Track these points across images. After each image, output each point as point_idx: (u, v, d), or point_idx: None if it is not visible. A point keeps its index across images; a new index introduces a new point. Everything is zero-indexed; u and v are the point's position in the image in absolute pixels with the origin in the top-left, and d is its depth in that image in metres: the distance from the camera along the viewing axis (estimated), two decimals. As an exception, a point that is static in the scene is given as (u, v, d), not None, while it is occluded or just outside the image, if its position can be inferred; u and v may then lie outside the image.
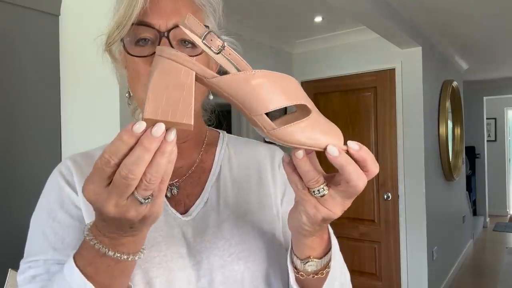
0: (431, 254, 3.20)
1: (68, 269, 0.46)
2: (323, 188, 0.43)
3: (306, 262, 0.51)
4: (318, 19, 3.03)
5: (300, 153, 0.42)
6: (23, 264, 0.57)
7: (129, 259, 0.45)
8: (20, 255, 0.60)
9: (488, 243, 5.59)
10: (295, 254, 0.53)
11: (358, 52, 3.38)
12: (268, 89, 0.41)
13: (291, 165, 0.44)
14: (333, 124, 0.44)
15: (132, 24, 0.54)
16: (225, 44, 0.41)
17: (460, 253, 4.49)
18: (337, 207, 0.44)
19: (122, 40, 0.57)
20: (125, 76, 0.62)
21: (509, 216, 7.21)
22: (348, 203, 0.45)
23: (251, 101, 0.40)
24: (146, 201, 0.39)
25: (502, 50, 4.06)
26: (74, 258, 0.46)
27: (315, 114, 0.43)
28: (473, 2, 2.66)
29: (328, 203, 0.44)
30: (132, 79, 0.59)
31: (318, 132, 0.42)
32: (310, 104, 0.43)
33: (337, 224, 3.44)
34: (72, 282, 0.45)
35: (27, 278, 0.55)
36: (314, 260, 0.51)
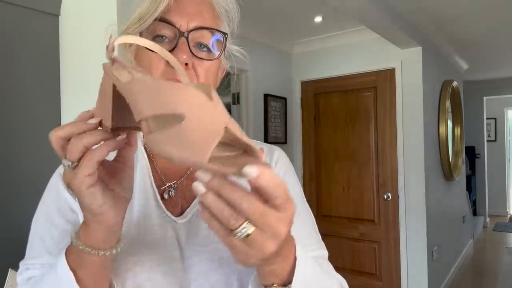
0: (431, 254, 3.20)
1: (59, 259, 0.49)
2: (245, 227, 0.34)
3: None
4: (318, 19, 3.03)
5: (198, 188, 0.34)
6: (22, 265, 0.59)
7: (80, 247, 0.47)
8: (20, 255, 0.61)
9: (488, 243, 5.59)
10: (260, 280, 0.47)
11: (358, 52, 3.38)
12: (139, 97, 0.38)
13: (207, 210, 0.36)
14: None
15: (155, 19, 0.55)
16: (113, 56, 0.45)
17: (460, 253, 4.48)
18: (267, 243, 0.35)
19: (141, 33, 0.57)
20: None
21: (509, 216, 7.21)
22: (278, 232, 0.35)
23: (132, 106, 0.39)
24: (65, 162, 0.43)
25: (502, 50, 4.06)
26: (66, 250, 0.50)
27: (188, 122, 0.33)
28: (473, 2, 2.66)
29: (256, 243, 0.35)
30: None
31: (184, 144, 0.33)
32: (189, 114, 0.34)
33: (337, 224, 3.44)
34: (59, 271, 0.48)
35: (24, 279, 0.57)
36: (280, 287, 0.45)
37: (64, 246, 0.57)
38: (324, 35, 3.46)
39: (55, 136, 0.43)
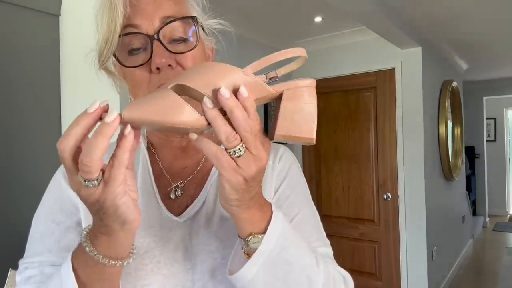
0: (431, 254, 3.21)
1: (64, 266, 0.47)
2: (240, 148, 0.41)
3: (249, 240, 0.47)
4: (318, 19, 3.03)
5: (207, 102, 0.40)
6: (21, 264, 0.58)
7: (100, 260, 0.43)
8: (20, 256, 0.60)
9: (487, 243, 5.59)
10: (239, 237, 0.49)
11: (358, 52, 3.38)
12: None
13: (202, 137, 0.42)
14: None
15: (119, 36, 0.53)
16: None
17: (460, 253, 4.49)
18: (252, 163, 0.42)
19: (114, 54, 0.55)
20: (124, 87, 0.62)
21: (508, 216, 7.21)
22: (261, 156, 0.42)
23: None
24: (88, 183, 0.38)
25: (502, 50, 4.05)
26: (72, 255, 0.47)
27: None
28: (473, 2, 2.66)
29: (244, 162, 0.41)
30: (133, 87, 0.58)
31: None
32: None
33: (337, 224, 3.44)
34: (64, 277, 0.46)
35: (23, 279, 0.56)
36: (257, 235, 0.47)
37: (66, 244, 0.56)
38: (324, 35, 3.45)
39: (66, 147, 0.38)
